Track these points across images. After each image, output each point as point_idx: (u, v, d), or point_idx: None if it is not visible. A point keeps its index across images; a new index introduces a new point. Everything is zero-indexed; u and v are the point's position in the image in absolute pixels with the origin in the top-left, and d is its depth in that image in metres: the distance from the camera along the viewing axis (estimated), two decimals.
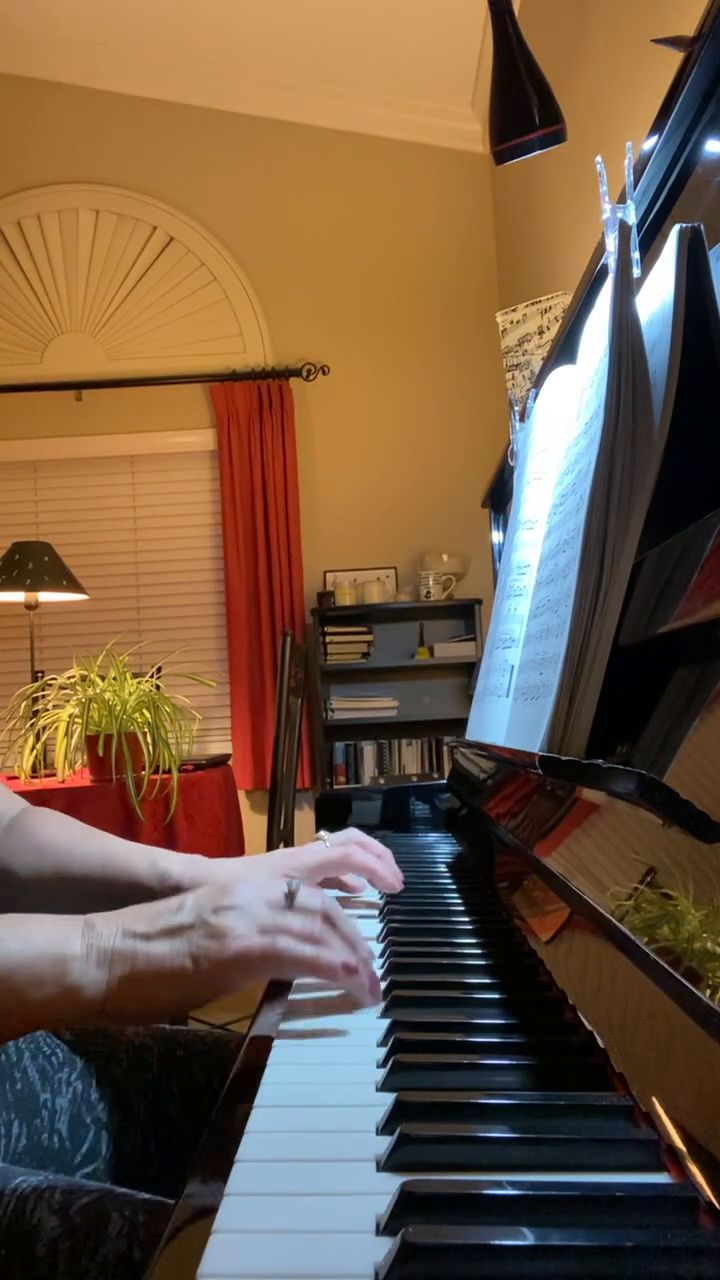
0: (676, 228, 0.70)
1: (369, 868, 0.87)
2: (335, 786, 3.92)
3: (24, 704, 2.55)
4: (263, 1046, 0.52)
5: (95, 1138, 0.75)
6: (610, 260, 0.73)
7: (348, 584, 4.02)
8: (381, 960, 0.67)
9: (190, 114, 4.14)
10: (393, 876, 0.88)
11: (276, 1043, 0.52)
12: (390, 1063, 0.46)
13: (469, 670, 3.99)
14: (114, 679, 2.31)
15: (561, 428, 0.95)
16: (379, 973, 0.64)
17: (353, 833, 0.90)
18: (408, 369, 4.15)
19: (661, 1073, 0.38)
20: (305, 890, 0.60)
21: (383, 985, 0.60)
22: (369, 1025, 0.54)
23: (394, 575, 4.08)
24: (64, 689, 2.41)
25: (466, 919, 0.78)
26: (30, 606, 3.49)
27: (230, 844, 2.55)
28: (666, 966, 0.37)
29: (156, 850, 0.85)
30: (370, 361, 4.15)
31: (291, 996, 0.61)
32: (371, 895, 0.90)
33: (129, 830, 2.20)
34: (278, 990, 0.62)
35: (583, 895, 0.49)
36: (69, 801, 2.23)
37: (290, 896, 0.59)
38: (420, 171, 4.17)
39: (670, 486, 0.66)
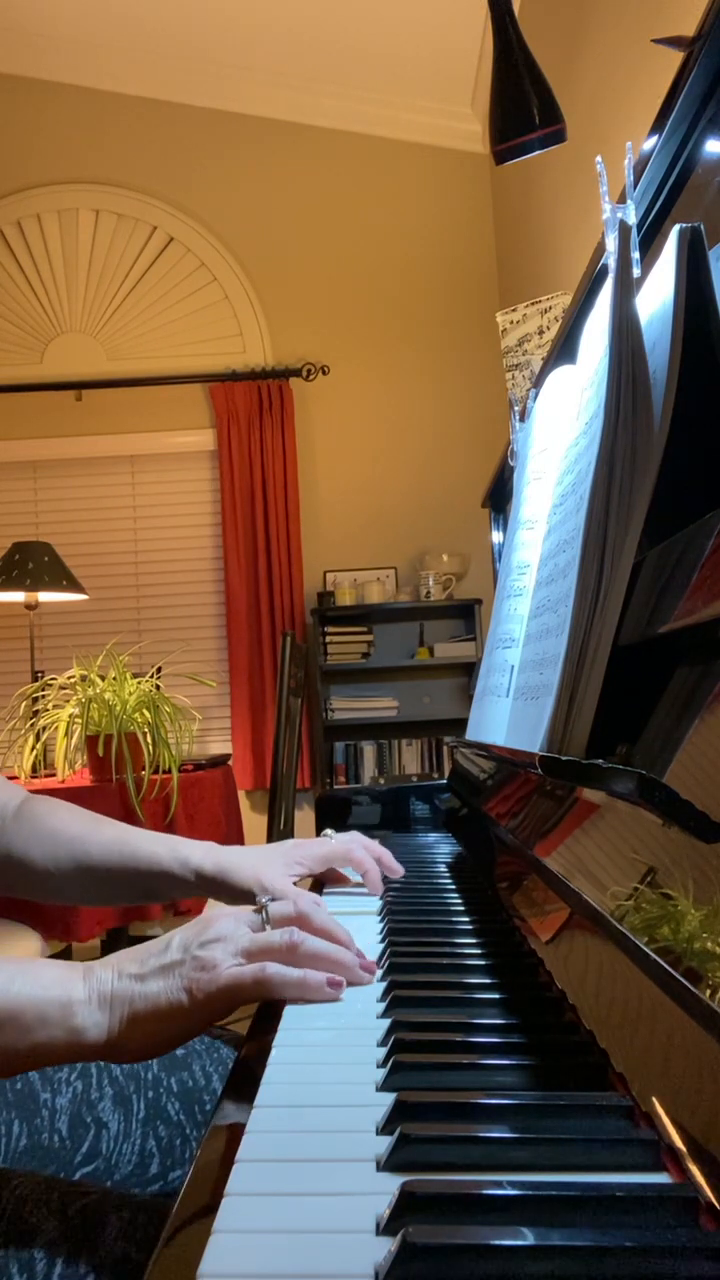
0: (676, 228, 0.70)
1: (365, 866, 0.91)
2: (335, 786, 3.92)
3: (24, 704, 2.55)
4: (262, 1046, 0.52)
5: (95, 1137, 0.75)
6: (610, 260, 0.73)
7: (348, 584, 4.02)
8: (382, 960, 0.67)
9: (190, 114, 4.14)
10: (380, 881, 0.92)
11: (276, 1042, 0.52)
12: (390, 1063, 0.46)
13: (469, 670, 3.99)
14: (114, 679, 2.31)
15: (561, 428, 0.95)
16: (379, 973, 0.64)
17: (356, 835, 0.95)
18: (408, 369, 4.15)
19: (661, 1073, 0.38)
20: (274, 905, 0.64)
21: (383, 985, 0.60)
22: (369, 1025, 0.54)
23: (394, 575, 4.08)
24: (64, 689, 2.41)
25: (466, 919, 0.78)
26: (30, 606, 3.49)
27: (230, 844, 2.55)
28: (666, 966, 0.37)
29: (171, 837, 0.88)
30: (370, 361, 4.15)
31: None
32: (373, 903, 0.91)
33: None
34: None
35: (583, 895, 0.49)
36: (69, 801, 2.22)
37: (263, 911, 0.63)
38: (420, 171, 4.17)
39: (670, 486, 0.66)
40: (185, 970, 0.56)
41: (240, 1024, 0.64)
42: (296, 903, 0.64)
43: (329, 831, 0.95)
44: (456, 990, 0.59)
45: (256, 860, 0.84)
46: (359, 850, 0.91)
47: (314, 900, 0.66)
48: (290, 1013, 0.57)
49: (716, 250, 0.70)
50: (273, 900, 0.64)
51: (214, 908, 2.34)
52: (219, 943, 0.58)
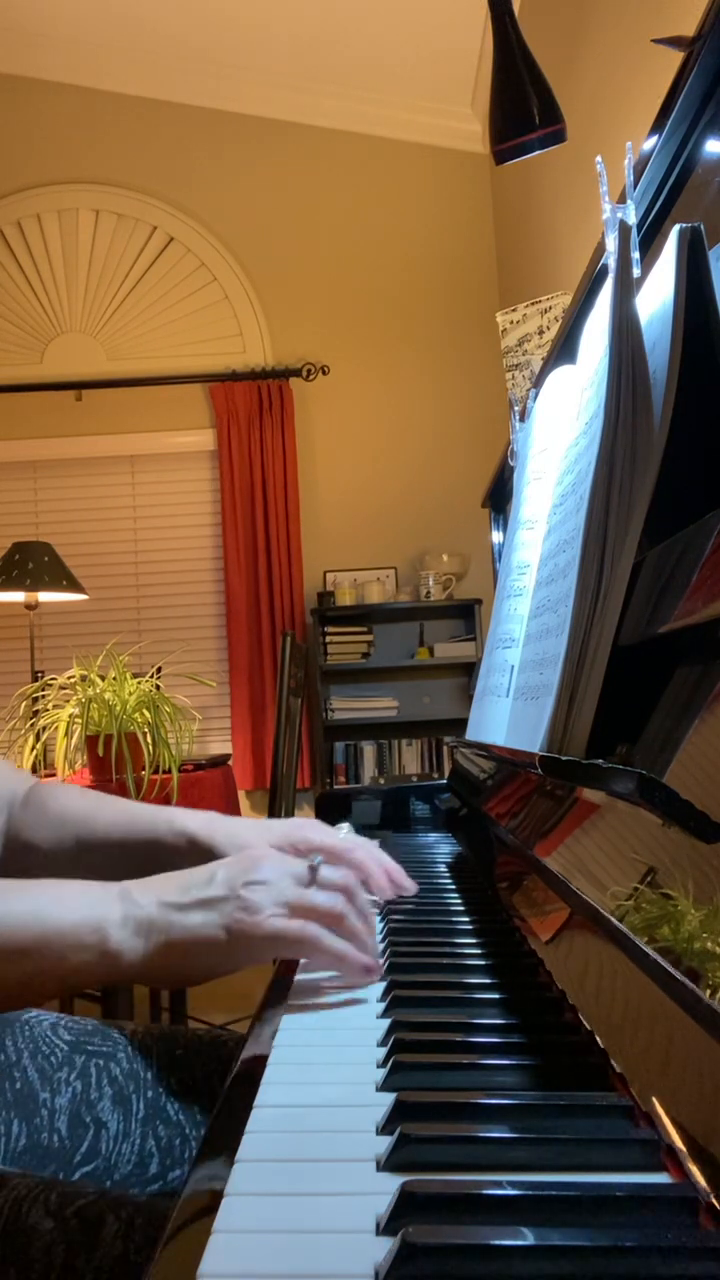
0: (676, 228, 0.70)
1: (366, 869, 0.83)
2: (335, 786, 3.92)
3: (24, 704, 2.55)
4: (262, 1046, 0.52)
5: (95, 1137, 0.75)
6: (610, 260, 0.73)
7: (348, 584, 4.02)
8: (381, 960, 0.67)
9: (190, 114, 4.14)
10: (387, 883, 0.85)
11: (276, 1042, 0.52)
12: (390, 1063, 0.46)
13: (469, 670, 3.99)
14: (114, 679, 2.31)
15: (561, 428, 0.95)
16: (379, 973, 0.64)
17: (370, 843, 0.88)
18: (407, 369, 4.15)
19: (661, 1073, 0.38)
20: (326, 867, 0.62)
21: (383, 985, 0.60)
22: (369, 1025, 0.54)
23: (394, 575, 4.08)
24: (64, 689, 2.41)
25: (466, 919, 0.78)
26: (30, 606, 3.49)
27: None
28: (667, 966, 0.37)
29: (172, 810, 0.86)
30: (370, 361, 4.15)
31: (291, 1000, 0.61)
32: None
33: None
34: (278, 991, 0.62)
35: (583, 895, 0.49)
36: None
37: (313, 871, 0.61)
38: (420, 171, 4.17)
39: (670, 486, 0.66)
40: (227, 908, 0.56)
41: (240, 1024, 0.64)
42: (345, 876, 0.62)
43: (344, 826, 0.90)
44: (456, 990, 0.59)
45: (251, 835, 0.81)
46: (360, 853, 0.83)
47: (358, 884, 0.64)
48: (291, 1012, 0.57)
49: (716, 250, 0.70)
50: (324, 863, 0.63)
51: None
52: (264, 886, 0.57)
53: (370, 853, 0.84)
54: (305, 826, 0.83)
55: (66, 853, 0.85)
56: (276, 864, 0.60)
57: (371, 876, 0.84)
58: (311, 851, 0.81)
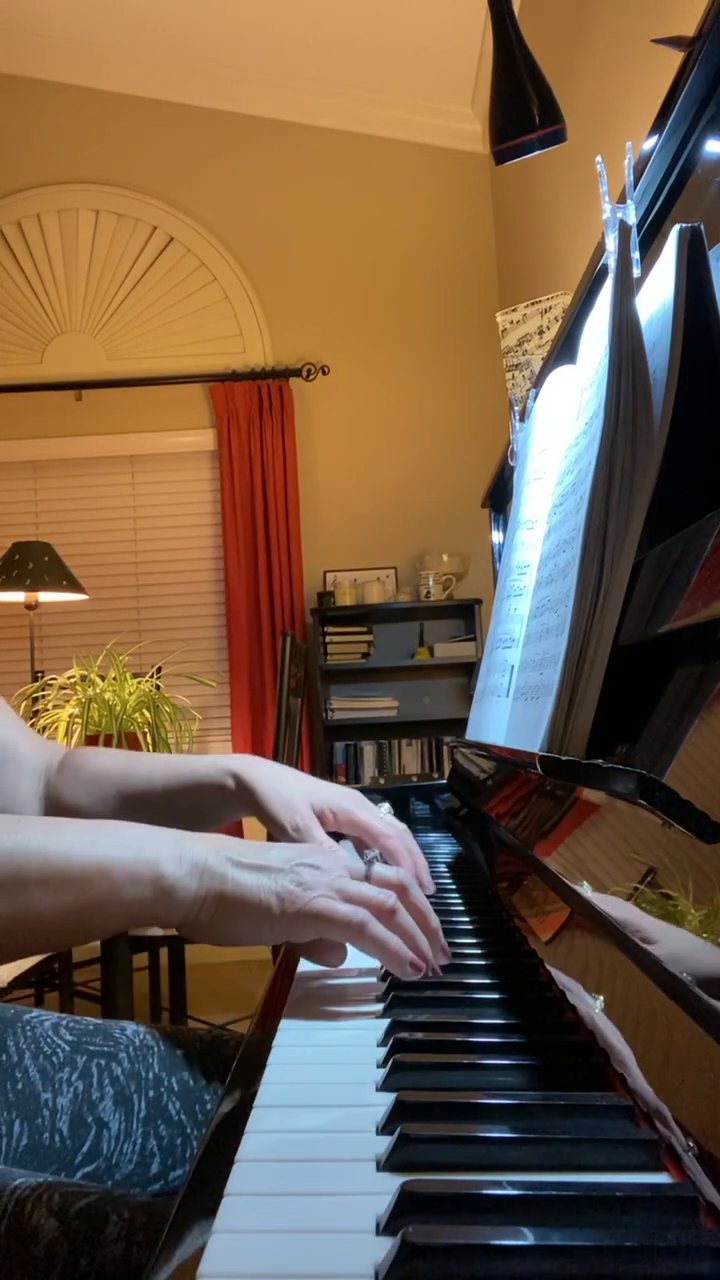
0: (676, 228, 0.70)
1: (397, 858, 0.81)
2: None
3: (24, 704, 2.55)
4: (262, 1046, 0.52)
5: (96, 1137, 0.75)
6: (610, 260, 0.73)
7: (348, 584, 4.02)
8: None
9: (190, 114, 4.14)
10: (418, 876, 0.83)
11: (276, 1042, 0.52)
12: (390, 1063, 0.46)
13: (469, 670, 3.99)
14: (114, 679, 2.31)
15: (561, 428, 0.95)
16: (380, 974, 0.64)
17: (405, 829, 0.85)
18: (407, 369, 4.15)
19: (661, 1073, 0.38)
20: (380, 866, 0.62)
21: (383, 985, 0.60)
22: (369, 1025, 0.54)
23: (394, 575, 4.08)
24: (64, 689, 2.41)
25: (466, 919, 0.78)
26: (30, 606, 3.49)
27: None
28: (666, 966, 0.37)
29: (211, 755, 0.85)
30: (370, 361, 4.15)
31: (291, 999, 0.61)
32: None
33: None
34: (278, 990, 0.62)
35: (583, 895, 0.49)
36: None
37: (370, 866, 0.61)
38: (420, 171, 4.17)
39: (670, 486, 0.66)
40: (282, 879, 0.56)
41: (240, 1024, 0.64)
42: (399, 874, 0.62)
43: (385, 806, 0.87)
44: (456, 990, 0.59)
45: (293, 790, 0.79)
46: (396, 843, 0.81)
47: (413, 882, 0.64)
48: (290, 1013, 0.57)
49: (716, 250, 0.70)
50: (380, 860, 0.63)
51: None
52: (319, 870, 0.58)
53: (405, 841, 0.82)
54: (348, 798, 0.81)
55: (110, 810, 0.84)
56: (335, 855, 0.61)
57: (401, 863, 0.82)
58: (348, 822, 0.81)
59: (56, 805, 0.86)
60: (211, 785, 0.81)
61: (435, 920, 0.62)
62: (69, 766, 0.88)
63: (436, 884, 0.94)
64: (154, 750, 2.27)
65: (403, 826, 0.84)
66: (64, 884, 0.54)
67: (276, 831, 0.77)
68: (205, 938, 0.56)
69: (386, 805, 0.87)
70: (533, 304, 2.25)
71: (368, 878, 0.61)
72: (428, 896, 0.84)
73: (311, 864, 0.58)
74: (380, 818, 0.83)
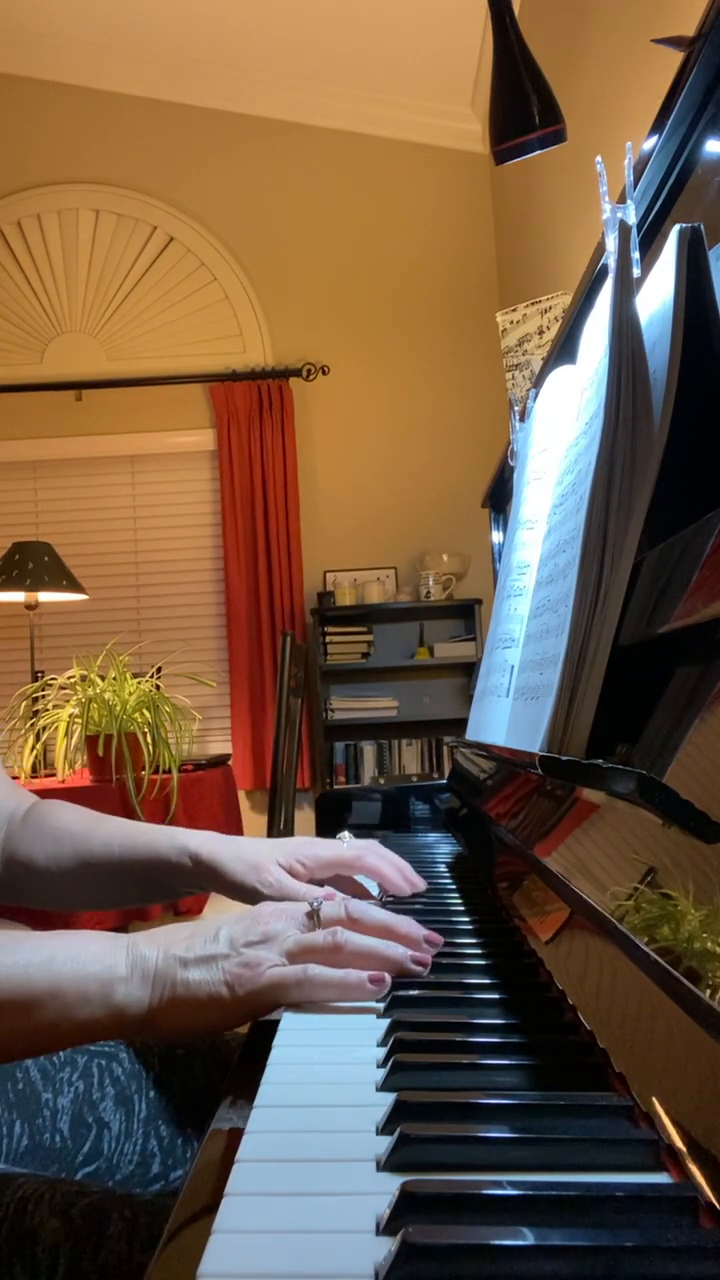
0: (676, 228, 0.70)
1: (379, 871, 0.86)
2: (335, 786, 3.92)
3: (24, 704, 2.55)
4: (262, 1046, 0.52)
5: (97, 1137, 0.75)
6: (610, 260, 0.73)
7: (348, 584, 4.02)
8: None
9: (190, 114, 4.14)
10: (403, 881, 0.86)
11: (276, 1042, 0.52)
12: (390, 1063, 0.46)
13: (469, 670, 3.99)
14: (114, 679, 2.31)
15: (561, 428, 0.95)
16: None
17: (373, 843, 0.89)
18: (407, 369, 4.15)
19: (661, 1073, 0.38)
20: (326, 905, 0.62)
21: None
22: (369, 1025, 0.54)
23: (394, 575, 4.08)
24: (64, 689, 2.41)
25: (466, 919, 0.78)
26: (30, 606, 3.49)
27: None
28: (666, 966, 0.37)
29: (171, 828, 0.86)
30: (370, 361, 4.15)
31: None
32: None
33: None
34: None
35: (583, 895, 0.49)
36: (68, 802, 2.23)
37: (314, 915, 0.61)
38: (420, 171, 4.17)
39: (670, 486, 0.66)
40: (229, 965, 0.56)
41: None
42: (346, 905, 0.62)
43: (344, 834, 0.90)
44: (456, 990, 0.59)
45: (256, 853, 0.81)
46: (372, 858, 0.85)
47: (361, 905, 0.64)
48: (290, 1013, 0.57)
49: (716, 250, 0.70)
50: (325, 901, 0.63)
51: (215, 904, 2.34)
52: (265, 943, 0.58)
53: (380, 854, 0.85)
54: (306, 845, 0.84)
55: (66, 870, 0.85)
56: (279, 917, 0.61)
57: (387, 879, 0.85)
58: (319, 865, 0.83)
59: (14, 856, 0.87)
60: (168, 864, 0.82)
61: (406, 926, 0.62)
62: (32, 818, 0.88)
63: (436, 884, 0.94)
64: (154, 750, 2.27)
65: (369, 842, 0.87)
66: (15, 1009, 0.53)
67: (249, 898, 0.77)
68: (166, 1039, 0.56)
69: (346, 834, 0.89)
70: (533, 304, 2.25)
71: (316, 926, 0.61)
72: (421, 894, 0.85)
73: (258, 939, 0.58)
74: (345, 847, 0.85)
